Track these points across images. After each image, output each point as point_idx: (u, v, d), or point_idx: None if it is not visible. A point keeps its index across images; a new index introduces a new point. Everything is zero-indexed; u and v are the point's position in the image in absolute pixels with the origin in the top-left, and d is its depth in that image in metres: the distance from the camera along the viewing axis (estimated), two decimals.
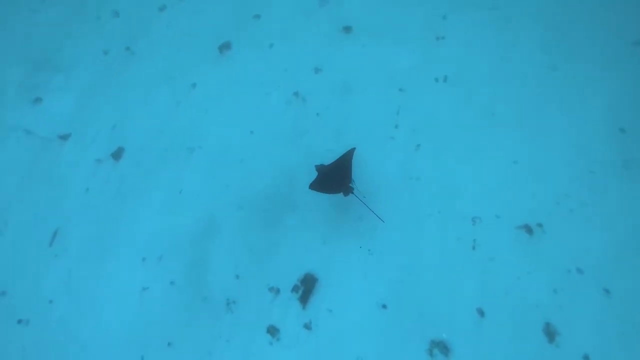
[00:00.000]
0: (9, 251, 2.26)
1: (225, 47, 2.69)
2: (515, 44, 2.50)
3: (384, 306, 2.04)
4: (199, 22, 2.76)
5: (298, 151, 2.35)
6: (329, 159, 2.23)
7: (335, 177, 2.07)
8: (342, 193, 2.05)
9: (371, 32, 2.64)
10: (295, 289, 2.10)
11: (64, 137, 2.50)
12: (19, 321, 2.11)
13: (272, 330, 2.04)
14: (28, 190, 2.40)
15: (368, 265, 2.12)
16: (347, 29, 2.63)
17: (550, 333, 1.96)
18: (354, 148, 2.13)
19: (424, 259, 2.11)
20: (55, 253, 2.24)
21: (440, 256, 2.11)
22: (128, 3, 2.88)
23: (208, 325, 2.06)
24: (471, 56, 2.49)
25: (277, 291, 2.10)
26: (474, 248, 2.12)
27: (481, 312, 2.01)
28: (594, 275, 2.01)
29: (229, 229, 2.22)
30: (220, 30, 2.73)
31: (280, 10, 2.77)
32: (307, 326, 2.04)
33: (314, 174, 2.19)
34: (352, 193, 2.04)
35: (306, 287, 2.09)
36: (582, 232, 2.08)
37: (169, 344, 2.05)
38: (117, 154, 2.44)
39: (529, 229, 2.13)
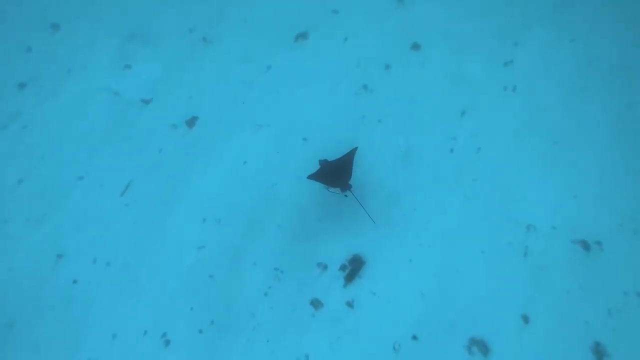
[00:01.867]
0: (85, 197, 2.47)
1: (302, 36, 2.83)
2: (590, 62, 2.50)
3: (426, 296, 2.07)
4: (280, 11, 2.92)
5: (359, 139, 2.43)
6: (391, 151, 2.33)
7: (336, 174, 2.17)
8: (339, 189, 2.14)
9: (441, 43, 2.71)
10: (342, 267, 2.17)
11: (146, 102, 2.71)
12: (94, 260, 2.30)
13: (316, 303, 2.11)
14: (108, 145, 2.61)
15: (416, 255, 2.15)
16: (416, 46, 2.71)
17: (598, 352, 1.92)
18: (357, 147, 2.21)
19: (472, 257, 2.13)
20: (126, 202, 2.43)
21: (489, 257, 2.12)
22: None
23: (254, 289, 2.16)
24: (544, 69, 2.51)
25: (325, 267, 2.17)
26: (525, 255, 2.11)
27: (526, 319, 2.00)
28: None
29: (287, 203, 2.33)
30: (299, 20, 2.88)
31: (358, 8, 2.89)
32: (350, 304, 2.09)
33: (372, 162, 2.28)
34: (349, 191, 2.12)
35: (353, 267, 2.16)
36: None
37: (215, 300, 2.16)
38: (191, 122, 2.62)
39: (586, 245, 2.10)
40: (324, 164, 2.26)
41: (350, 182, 2.14)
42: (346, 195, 2.15)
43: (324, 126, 2.51)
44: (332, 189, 2.21)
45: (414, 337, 2.01)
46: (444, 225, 2.20)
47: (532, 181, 2.25)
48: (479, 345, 1.97)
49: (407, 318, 2.04)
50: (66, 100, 2.78)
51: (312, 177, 2.19)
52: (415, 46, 2.71)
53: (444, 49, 2.68)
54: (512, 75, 2.53)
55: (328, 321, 2.07)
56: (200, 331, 2.10)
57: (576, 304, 1.99)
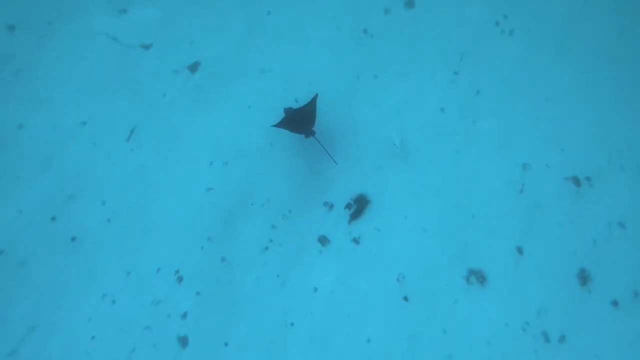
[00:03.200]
0: (89, 142, 2.47)
1: None
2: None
3: (428, 231, 2.19)
4: None
5: (360, 84, 2.48)
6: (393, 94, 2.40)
7: (300, 120, 2.26)
8: (304, 135, 2.22)
9: None
10: (348, 206, 2.26)
11: (146, 47, 2.67)
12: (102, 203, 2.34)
13: (323, 240, 2.21)
14: (109, 90, 2.58)
15: (418, 194, 2.26)
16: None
17: (583, 278, 2.08)
18: (317, 94, 2.28)
19: (471, 195, 2.25)
20: (131, 147, 2.44)
21: (487, 194, 2.24)
22: None
23: (264, 227, 2.24)
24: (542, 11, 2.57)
25: (331, 206, 2.26)
26: (521, 192, 2.23)
27: (520, 251, 2.14)
28: (635, 230, 2.10)
29: (292, 147, 2.38)
30: None
31: None
32: (356, 240, 2.20)
33: (376, 104, 2.35)
34: (313, 136, 2.21)
35: (359, 206, 2.25)
36: (629, 190, 2.17)
37: (225, 240, 2.24)
38: (193, 67, 2.60)
39: (577, 181, 2.23)
40: (289, 111, 2.33)
41: (314, 128, 2.22)
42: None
43: (329, 71, 2.53)
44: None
45: (416, 269, 2.13)
46: (445, 166, 2.30)
47: (527, 122, 2.34)
48: (477, 275, 2.11)
49: (410, 252, 2.17)
50: (61, 44, 2.70)
51: (278, 125, 2.27)
52: None
53: None
54: (510, 20, 2.57)
55: (335, 256, 2.18)
56: (212, 268, 2.19)
57: (566, 236, 2.14)
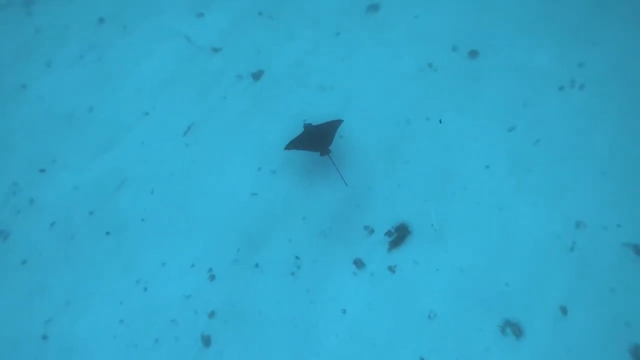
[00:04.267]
0: (149, 131, 2.59)
1: (373, 8, 2.85)
2: None
3: (465, 272, 2.11)
4: None
5: (417, 109, 2.49)
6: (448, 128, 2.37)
7: (319, 137, 2.28)
8: (319, 153, 2.25)
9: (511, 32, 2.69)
10: (388, 233, 2.22)
11: (216, 50, 2.79)
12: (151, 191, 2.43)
13: (358, 263, 2.18)
14: (174, 86, 2.71)
15: (461, 232, 2.19)
16: (489, 33, 2.68)
17: (638, 355, 1.92)
18: (342, 121, 2.32)
19: (518, 241, 2.14)
20: (187, 142, 2.53)
21: (535, 244, 2.13)
22: None
23: (302, 242, 2.24)
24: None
25: (372, 231, 2.23)
26: (572, 250, 2.12)
27: (564, 310, 2.01)
28: None
29: (340, 163, 2.38)
30: None
31: None
32: (392, 269, 2.15)
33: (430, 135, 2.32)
34: (328, 156, 2.22)
35: (399, 234, 2.21)
36: None
37: (261, 246, 2.25)
38: (256, 75, 2.69)
39: (637, 250, 2.08)
40: (308, 127, 2.35)
41: (331, 147, 2.25)
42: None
43: (383, 95, 2.55)
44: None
45: (450, 308, 2.05)
46: (492, 208, 2.22)
47: (587, 180, 2.23)
48: (513, 327, 2.00)
49: (445, 289, 2.09)
50: (140, 39, 2.89)
51: (293, 142, 2.29)
52: (488, 33, 2.68)
53: (512, 39, 2.66)
54: (582, 73, 2.49)
55: (368, 281, 2.14)
56: (245, 272, 2.20)
57: (619, 303, 1.99)
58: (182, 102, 2.66)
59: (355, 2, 2.84)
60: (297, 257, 2.21)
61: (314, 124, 2.37)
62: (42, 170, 2.50)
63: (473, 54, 2.62)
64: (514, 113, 2.42)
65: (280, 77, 2.67)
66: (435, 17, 2.78)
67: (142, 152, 2.53)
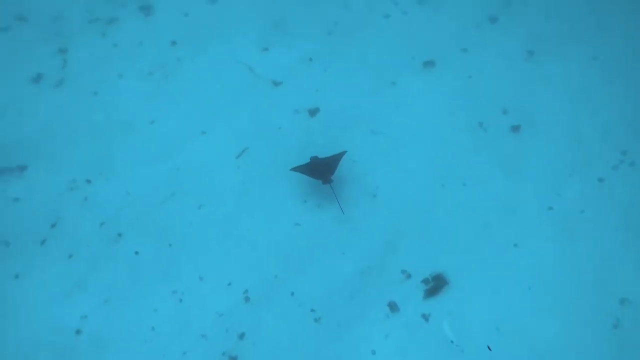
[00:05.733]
0: (203, 149, 2.71)
1: (429, 63, 3.00)
2: None
3: (501, 331, 2.10)
4: (415, 38, 3.10)
5: (468, 165, 2.59)
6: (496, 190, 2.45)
7: (323, 168, 2.45)
8: (321, 181, 2.41)
9: (564, 100, 2.80)
10: (425, 281, 2.24)
11: (276, 83, 2.95)
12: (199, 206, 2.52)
13: (392, 306, 2.19)
14: (234, 110, 2.85)
15: (501, 291, 2.20)
16: (538, 103, 2.80)
17: None
18: (346, 151, 2.51)
19: (558, 310, 2.15)
20: (238, 165, 2.64)
21: (575, 315, 2.12)
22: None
23: (339, 276, 2.28)
24: None
25: (409, 276, 2.26)
26: (615, 327, 2.10)
27: None
28: None
29: (384, 205, 2.45)
30: (429, 49, 3.05)
31: (487, 53, 3.02)
32: (425, 317, 2.15)
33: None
34: (329, 184, 2.40)
35: (436, 284, 2.23)
36: None
37: (299, 275, 2.29)
38: (312, 111, 2.82)
39: None
40: (314, 159, 2.50)
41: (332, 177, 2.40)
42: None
43: (434, 148, 2.65)
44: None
45: None
46: (534, 272, 2.23)
47: (634, 256, 2.24)
48: None
49: (479, 346, 2.07)
50: (206, 63, 3.06)
51: (298, 168, 2.46)
52: (537, 103, 2.80)
53: (564, 105, 2.77)
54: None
55: (401, 326, 2.14)
56: (279, 298, 2.23)
57: None
58: (239, 126, 2.79)
59: (413, 57, 3.00)
60: (332, 291, 2.23)
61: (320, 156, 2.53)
62: (99, 172, 2.62)
63: (521, 119, 2.74)
64: (561, 181, 2.48)
65: (334, 116, 2.80)
66: (488, 80, 2.92)
67: (195, 168, 2.64)
